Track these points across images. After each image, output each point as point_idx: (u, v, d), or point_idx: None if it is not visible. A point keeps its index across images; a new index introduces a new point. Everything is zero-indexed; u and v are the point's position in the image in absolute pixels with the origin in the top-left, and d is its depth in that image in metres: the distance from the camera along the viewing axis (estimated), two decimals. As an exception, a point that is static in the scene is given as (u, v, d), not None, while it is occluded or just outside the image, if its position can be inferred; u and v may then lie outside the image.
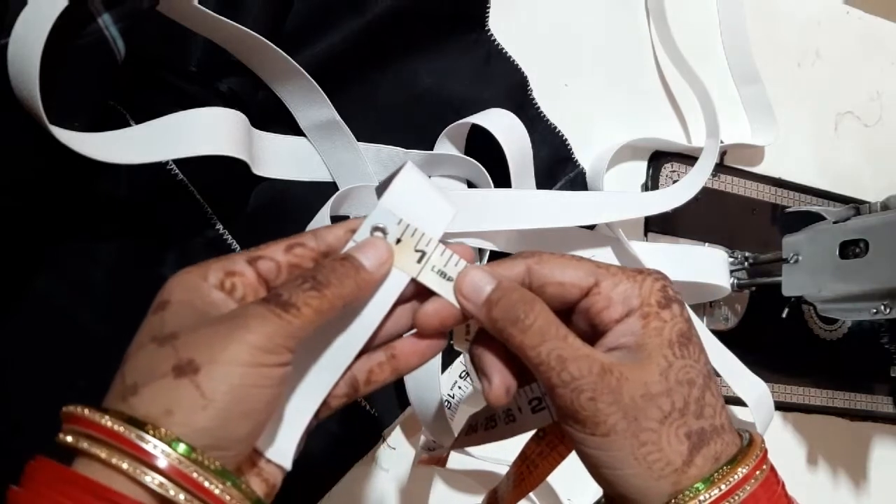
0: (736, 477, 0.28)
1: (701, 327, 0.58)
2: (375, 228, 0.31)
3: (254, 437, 0.27)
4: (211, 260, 0.30)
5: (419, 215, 0.31)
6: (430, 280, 0.31)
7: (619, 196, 0.54)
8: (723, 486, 0.28)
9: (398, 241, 0.31)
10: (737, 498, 0.28)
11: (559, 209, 0.49)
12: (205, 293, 0.29)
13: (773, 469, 0.30)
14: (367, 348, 0.31)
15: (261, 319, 0.27)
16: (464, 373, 0.52)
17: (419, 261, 0.31)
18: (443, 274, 0.31)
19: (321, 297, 0.28)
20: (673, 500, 0.28)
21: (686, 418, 0.28)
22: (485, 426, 0.36)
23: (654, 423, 0.28)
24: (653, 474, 0.28)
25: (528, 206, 0.49)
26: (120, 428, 0.25)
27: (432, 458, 0.49)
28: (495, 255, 0.51)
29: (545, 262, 0.31)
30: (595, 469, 0.30)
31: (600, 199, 0.52)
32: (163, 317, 0.28)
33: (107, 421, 0.25)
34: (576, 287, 0.30)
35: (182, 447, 0.25)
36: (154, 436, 0.25)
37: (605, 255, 0.55)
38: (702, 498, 0.28)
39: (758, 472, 0.29)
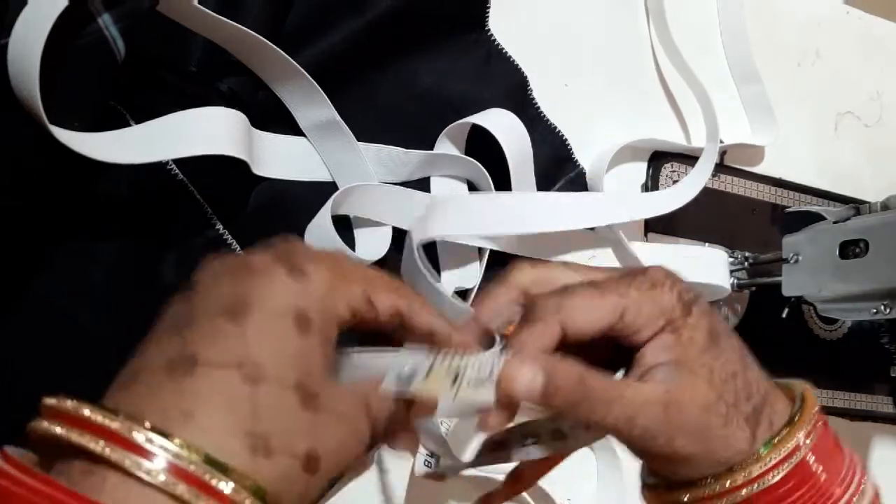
0: (792, 441, 0.30)
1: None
2: (402, 380, 0.28)
3: None
4: (347, 270, 0.28)
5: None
6: (470, 396, 0.29)
7: (620, 198, 0.54)
8: (782, 451, 0.30)
9: (428, 373, 0.28)
10: (796, 458, 0.30)
11: (561, 212, 0.49)
12: (340, 320, 0.27)
13: (824, 423, 0.32)
14: None
15: (353, 434, 0.26)
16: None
17: (454, 382, 0.29)
18: (479, 381, 0.29)
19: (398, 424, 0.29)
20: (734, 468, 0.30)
21: (740, 407, 0.30)
22: (521, 442, 0.35)
23: (720, 429, 0.30)
24: (725, 464, 0.30)
25: (531, 210, 0.49)
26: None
27: (432, 475, 0.48)
28: (494, 255, 0.51)
29: (576, 311, 0.30)
30: (666, 471, 0.32)
31: (601, 201, 0.52)
32: (305, 345, 0.25)
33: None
34: (606, 326, 0.30)
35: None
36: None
37: (606, 255, 0.55)
38: (764, 462, 0.30)
39: (810, 432, 0.31)
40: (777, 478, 0.30)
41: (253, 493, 0.22)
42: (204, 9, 0.40)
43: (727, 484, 0.30)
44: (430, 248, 0.51)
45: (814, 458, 0.30)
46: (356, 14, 0.48)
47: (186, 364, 0.23)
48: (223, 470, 0.22)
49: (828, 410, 0.66)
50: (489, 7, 0.54)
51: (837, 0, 0.75)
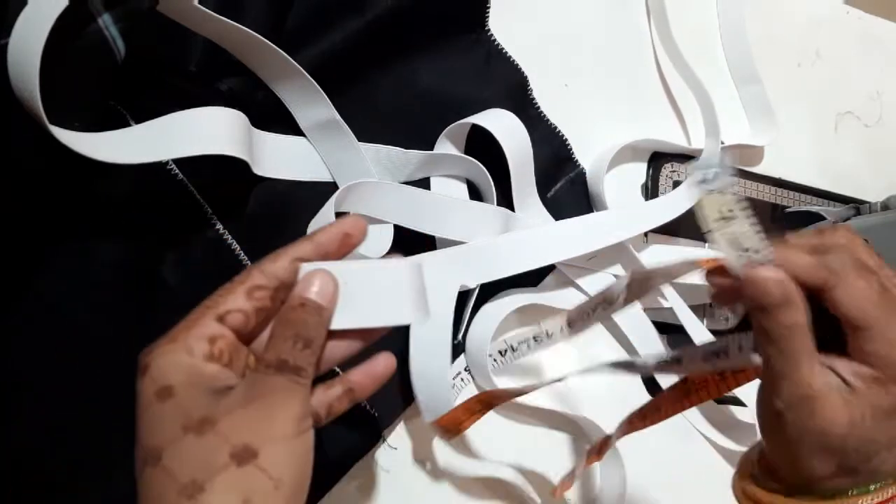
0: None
1: (700, 328, 0.58)
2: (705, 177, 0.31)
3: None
4: (179, 328, 0.30)
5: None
6: (723, 245, 0.32)
7: (625, 215, 0.55)
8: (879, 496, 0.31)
9: (719, 191, 0.32)
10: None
11: (571, 242, 0.50)
12: (199, 369, 0.29)
13: None
14: (322, 378, 0.33)
15: (289, 392, 0.29)
16: (466, 367, 0.52)
17: (725, 221, 0.32)
18: (743, 249, 0.32)
19: (313, 353, 0.31)
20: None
21: (848, 458, 0.31)
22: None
23: (816, 453, 0.31)
24: (787, 467, 0.33)
25: (542, 246, 0.51)
26: None
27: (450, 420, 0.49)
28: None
29: (848, 290, 0.31)
30: (761, 432, 0.34)
31: (608, 223, 0.53)
32: (178, 405, 0.28)
33: None
34: (852, 321, 0.31)
35: None
36: None
37: (606, 255, 0.55)
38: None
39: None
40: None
41: None
42: (204, 9, 0.40)
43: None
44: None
45: None
46: (356, 14, 0.48)
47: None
48: None
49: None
50: (489, 7, 0.54)
51: (837, 0, 0.75)
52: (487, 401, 0.47)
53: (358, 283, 0.33)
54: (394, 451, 0.50)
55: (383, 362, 0.34)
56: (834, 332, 0.32)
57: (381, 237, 0.50)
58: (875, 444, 0.31)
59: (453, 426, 0.47)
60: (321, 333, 0.31)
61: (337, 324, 0.33)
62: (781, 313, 0.31)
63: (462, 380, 0.52)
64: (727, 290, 0.34)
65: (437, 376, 0.47)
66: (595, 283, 0.56)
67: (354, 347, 0.34)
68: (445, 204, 0.50)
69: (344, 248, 0.34)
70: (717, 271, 0.33)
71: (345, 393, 0.34)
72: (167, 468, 0.27)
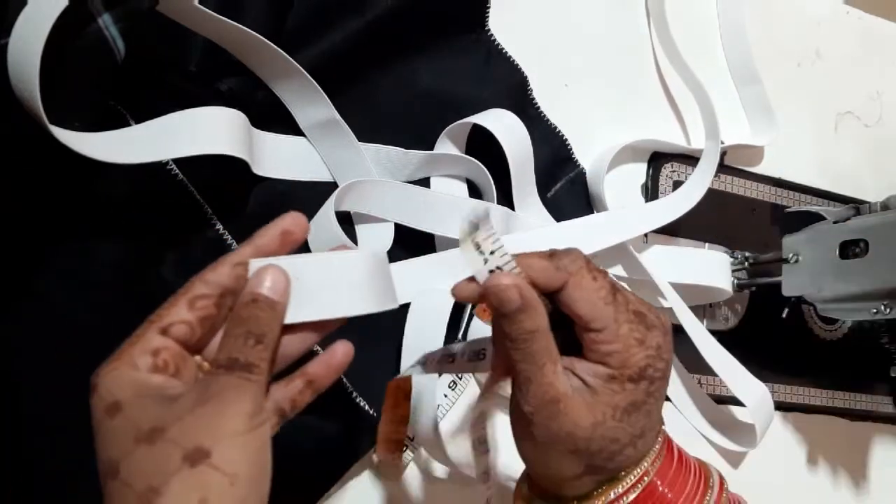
0: (611, 495, 0.34)
1: (700, 328, 0.58)
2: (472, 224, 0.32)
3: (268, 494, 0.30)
4: (124, 346, 0.31)
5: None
6: (473, 267, 0.33)
7: (627, 216, 0.55)
8: (629, 480, 0.34)
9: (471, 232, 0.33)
10: (642, 484, 0.34)
11: (573, 242, 0.51)
12: (145, 381, 0.30)
13: (666, 441, 0.36)
14: (280, 374, 0.33)
15: (238, 389, 0.29)
16: (451, 383, 0.52)
17: (478, 251, 0.33)
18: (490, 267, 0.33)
19: (266, 347, 0.31)
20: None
21: (593, 458, 0.33)
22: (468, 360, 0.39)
23: (564, 453, 0.33)
24: (539, 473, 0.35)
25: (540, 246, 0.50)
26: None
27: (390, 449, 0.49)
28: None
29: (580, 290, 0.33)
30: (515, 439, 0.36)
31: (610, 223, 0.53)
32: (127, 418, 0.29)
33: None
34: (586, 321, 0.33)
35: None
36: None
37: (606, 255, 0.55)
38: (622, 485, 0.34)
39: (655, 459, 0.35)
40: (631, 498, 0.34)
41: None
42: (204, 9, 0.40)
43: (602, 497, 0.34)
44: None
45: (660, 482, 0.35)
46: (356, 14, 0.48)
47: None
48: None
49: (828, 410, 0.66)
50: (489, 7, 0.54)
51: (837, 0, 0.75)
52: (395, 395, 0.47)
53: (311, 276, 0.33)
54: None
55: (341, 350, 0.35)
56: (574, 336, 0.34)
57: (381, 236, 0.50)
58: (617, 442, 0.33)
59: (391, 444, 0.48)
60: (274, 328, 0.31)
61: (292, 318, 0.32)
62: (521, 318, 0.32)
63: (445, 396, 0.52)
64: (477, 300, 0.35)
65: (426, 385, 0.47)
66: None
67: (310, 341, 0.34)
68: (445, 202, 0.50)
69: (285, 247, 0.34)
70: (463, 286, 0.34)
71: (306, 386, 0.34)
72: (125, 480, 0.27)
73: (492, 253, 0.32)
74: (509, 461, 0.52)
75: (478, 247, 0.32)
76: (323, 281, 0.33)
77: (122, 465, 0.28)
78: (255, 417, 0.29)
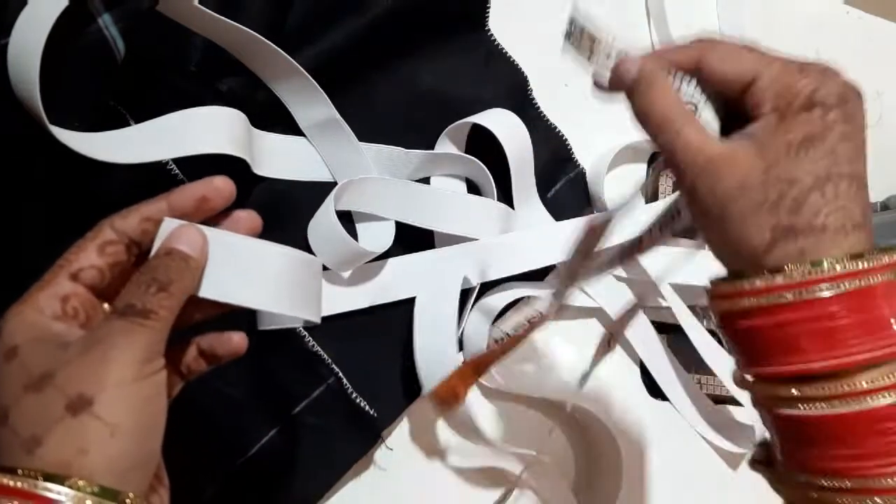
0: (806, 276, 0.28)
1: (699, 328, 0.58)
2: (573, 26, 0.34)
3: (159, 448, 0.29)
4: (32, 289, 0.30)
5: None
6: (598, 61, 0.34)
7: (627, 217, 0.55)
8: (791, 277, 0.28)
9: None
10: (801, 293, 0.28)
11: (569, 243, 0.51)
12: (46, 327, 0.29)
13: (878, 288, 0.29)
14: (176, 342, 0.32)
15: (128, 333, 0.28)
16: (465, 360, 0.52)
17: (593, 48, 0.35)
18: (608, 57, 0.35)
19: (170, 295, 0.29)
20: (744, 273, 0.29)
21: (777, 212, 0.29)
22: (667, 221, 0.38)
23: (743, 211, 0.29)
24: (733, 255, 0.31)
25: (543, 245, 0.50)
26: (30, 486, 0.25)
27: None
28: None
29: (717, 52, 0.31)
30: (695, 222, 0.33)
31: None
32: (21, 363, 0.28)
33: (19, 482, 0.25)
34: (736, 82, 0.31)
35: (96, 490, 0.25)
36: (70, 486, 0.25)
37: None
38: (759, 281, 0.29)
39: (845, 282, 0.28)
40: (826, 293, 0.28)
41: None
42: (204, 8, 0.40)
43: (746, 285, 0.29)
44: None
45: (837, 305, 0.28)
46: (356, 14, 0.48)
47: None
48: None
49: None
50: (489, 7, 0.54)
51: (837, 0, 0.75)
52: (476, 365, 0.46)
53: (223, 253, 0.31)
54: (391, 452, 0.50)
55: (237, 340, 0.33)
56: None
57: (382, 233, 0.50)
58: (798, 183, 0.29)
59: (451, 396, 0.46)
60: (184, 279, 0.30)
61: (203, 292, 0.31)
62: (645, 89, 0.32)
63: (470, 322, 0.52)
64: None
65: (441, 362, 0.47)
66: (595, 282, 0.56)
67: (211, 312, 0.34)
68: (445, 199, 0.50)
69: (200, 213, 0.32)
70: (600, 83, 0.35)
71: (199, 354, 0.33)
72: (12, 426, 0.27)
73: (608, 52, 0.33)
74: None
75: (595, 45, 0.34)
76: (235, 263, 0.32)
77: (11, 412, 0.27)
78: (146, 365, 0.28)
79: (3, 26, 0.35)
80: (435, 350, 0.48)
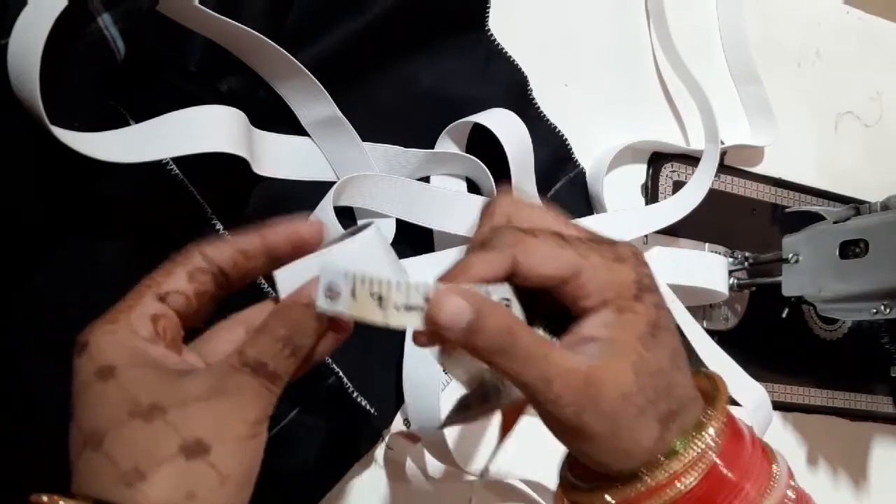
0: (695, 450, 0.30)
1: (698, 329, 0.58)
2: (329, 290, 0.28)
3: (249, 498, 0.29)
4: (119, 308, 0.29)
5: (361, 261, 0.30)
6: (400, 321, 0.28)
7: (627, 217, 0.55)
8: (685, 459, 0.29)
9: (353, 294, 0.28)
10: (698, 471, 0.29)
11: None
12: (144, 350, 0.28)
13: (732, 420, 0.31)
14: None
15: (257, 395, 0.28)
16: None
17: (380, 306, 0.28)
18: (409, 307, 0.28)
19: (296, 360, 0.29)
20: (640, 471, 0.30)
21: (658, 405, 0.29)
22: (480, 403, 0.35)
23: (631, 419, 0.29)
24: (626, 459, 0.30)
25: None
26: None
27: (409, 435, 0.49)
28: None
29: (531, 253, 0.29)
30: (567, 444, 0.31)
31: (609, 224, 0.53)
32: (122, 387, 0.27)
33: None
34: (556, 279, 0.29)
35: None
36: None
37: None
38: (663, 473, 0.29)
39: (721, 437, 0.30)
40: (694, 482, 0.29)
41: None
42: (204, 8, 0.40)
43: (650, 482, 0.29)
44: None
45: (723, 462, 0.30)
46: (356, 14, 0.48)
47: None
48: None
49: (828, 410, 0.66)
50: (489, 7, 0.54)
51: (837, 0, 0.75)
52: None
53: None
54: (392, 451, 0.50)
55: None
56: (558, 319, 0.31)
57: (382, 231, 0.50)
58: (663, 371, 0.29)
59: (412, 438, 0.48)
60: (311, 343, 0.29)
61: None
62: (485, 324, 0.28)
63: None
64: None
65: (427, 382, 0.47)
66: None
67: (324, 350, 0.31)
68: (446, 197, 0.50)
69: (293, 252, 0.31)
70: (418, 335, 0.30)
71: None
72: (108, 453, 0.26)
73: (405, 293, 0.28)
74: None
75: (384, 302, 0.28)
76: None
77: (109, 437, 0.26)
78: (260, 425, 0.28)
79: (3, 26, 0.35)
80: (419, 370, 0.48)
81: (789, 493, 0.31)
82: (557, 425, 0.30)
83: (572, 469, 0.33)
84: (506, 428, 0.36)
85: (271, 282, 0.31)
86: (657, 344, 0.30)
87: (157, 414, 0.26)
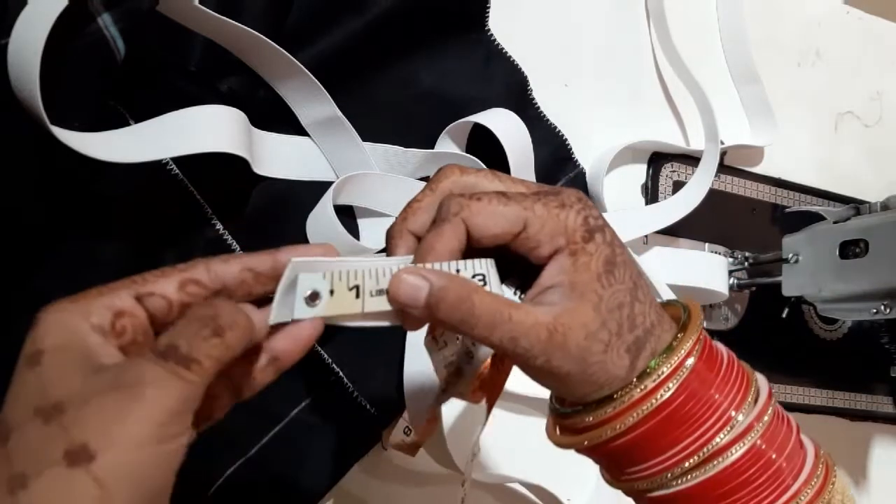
0: (667, 368, 0.31)
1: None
2: (311, 296, 0.29)
3: None
4: (91, 292, 0.27)
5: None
6: (374, 305, 0.29)
7: (628, 217, 0.55)
8: (657, 377, 0.31)
9: (332, 292, 0.29)
10: (672, 385, 0.31)
11: None
12: (84, 336, 0.25)
13: (708, 344, 0.33)
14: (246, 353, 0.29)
15: (162, 385, 0.24)
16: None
17: (357, 296, 0.29)
18: (381, 291, 0.30)
19: (225, 345, 0.25)
20: (615, 394, 0.31)
21: (623, 337, 0.31)
22: (455, 380, 0.36)
23: (599, 355, 0.31)
24: (601, 390, 0.31)
25: None
26: None
27: (406, 446, 0.49)
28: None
29: (477, 214, 0.30)
30: (547, 386, 0.33)
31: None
32: (40, 375, 0.24)
33: None
34: (507, 234, 0.31)
35: None
36: None
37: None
38: (635, 392, 0.31)
39: (690, 357, 0.32)
40: (667, 394, 0.31)
41: None
42: (204, 8, 0.40)
43: (626, 400, 0.31)
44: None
45: (697, 374, 0.32)
46: (356, 14, 0.48)
47: None
48: None
49: (828, 410, 0.66)
50: (489, 7, 0.54)
51: (837, 0, 0.75)
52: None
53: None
54: (394, 451, 0.50)
55: (309, 324, 0.29)
56: (521, 272, 0.32)
57: (382, 230, 0.50)
58: (624, 305, 0.31)
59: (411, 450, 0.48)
60: (246, 326, 0.26)
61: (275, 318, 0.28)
62: (450, 296, 0.29)
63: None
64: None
65: (427, 382, 0.47)
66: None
67: (276, 368, 0.29)
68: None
69: None
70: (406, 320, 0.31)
71: (269, 363, 0.29)
72: (8, 452, 0.23)
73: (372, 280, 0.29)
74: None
75: (361, 291, 0.29)
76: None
77: (14, 434, 0.24)
78: (168, 427, 0.24)
79: (3, 26, 0.35)
80: (419, 372, 0.48)
81: (769, 409, 0.33)
82: (532, 373, 0.32)
83: (559, 399, 0.35)
84: (490, 402, 0.38)
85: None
86: (615, 279, 0.31)
87: (57, 414, 0.23)
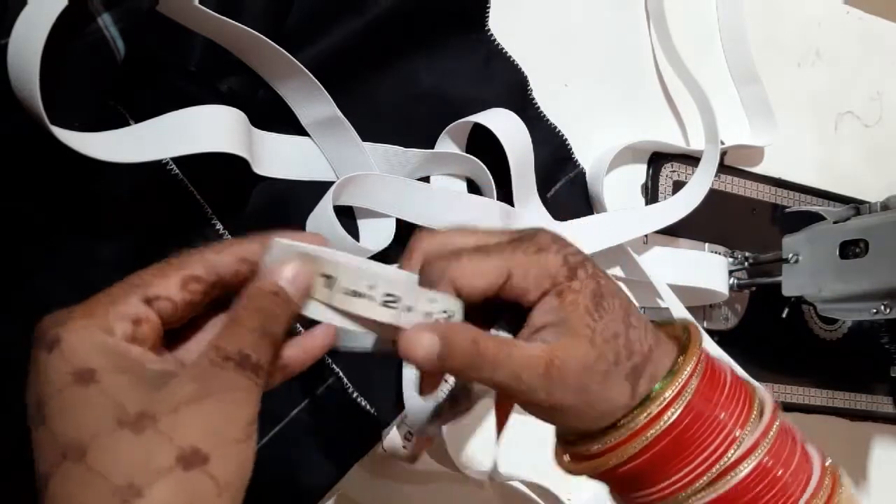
0: (670, 392, 0.32)
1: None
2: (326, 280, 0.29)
3: None
4: (99, 302, 0.28)
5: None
6: (341, 303, 0.30)
7: (628, 217, 0.55)
8: (661, 401, 0.31)
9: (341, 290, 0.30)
10: (677, 408, 0.31)
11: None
12: (124, 352, 0.27)
13: (710, 363, 0.33)
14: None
15: (247, 392, 0.27)
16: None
17: (326, 285, 0.29)
18: (356, 293, 0.30)
19: (275, 349, 0.28)
20: (619, 421, 0.32)
21: (621, 365, 0.31)
22: (450, 407, 0.37)
23: (598, 385, 0.31)
24: (605, 418, 0.32)
25: None
26: None
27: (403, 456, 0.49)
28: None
29: (461, 276, 0.31)
30: (552, 422, 0.34)
31: (610, 224, 0.53)
32: (105, 393, 0.25)
33: None
34: (493, 286, 0.31)
35: None
36: None
37: (605, 258, 0.55)
38: (641, 418, 0.31)
39: (692, 379, 0.32)
40: (673, 417, 0.31)
41: None
42: (204, 8, 0.40)
43: (631, 426, 0.31)
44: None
45: (700, 395, 0.32)
46: (356, 14, 0.48)
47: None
48: None
49: (828, 410, 0.66)
50: (489, 7, 0.54)
51: (837, 0, 0.75)
52: None
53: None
54: (386, 452, 0.50)
55: (322, 334, 0.31)
56: (510, 316, 0.33)
57: (382, 231, 0.50)
58: (619, 334, 0.31)
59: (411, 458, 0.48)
60: (285, 329, 0.29)
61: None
62: (457, 341, 0.30)
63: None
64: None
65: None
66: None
67: (283, 374, 0.31)
68: (446, 198, 0.50)
69: None
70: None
71: (278, 369, 0.30)
72: (94, 466, 0.24)
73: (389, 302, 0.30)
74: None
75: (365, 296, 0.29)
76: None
77: (93, 449, 0.24)
78: (253, 426, 0.27)
79: (3, 26, 0.35)
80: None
81: (774, 425, 0.33)
82: (536, 409, 0.32)
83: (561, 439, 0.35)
84: (500, 424, 0.38)
85: None
86: (605, 310, 0.32)
87: (148, 423, 0.25)
